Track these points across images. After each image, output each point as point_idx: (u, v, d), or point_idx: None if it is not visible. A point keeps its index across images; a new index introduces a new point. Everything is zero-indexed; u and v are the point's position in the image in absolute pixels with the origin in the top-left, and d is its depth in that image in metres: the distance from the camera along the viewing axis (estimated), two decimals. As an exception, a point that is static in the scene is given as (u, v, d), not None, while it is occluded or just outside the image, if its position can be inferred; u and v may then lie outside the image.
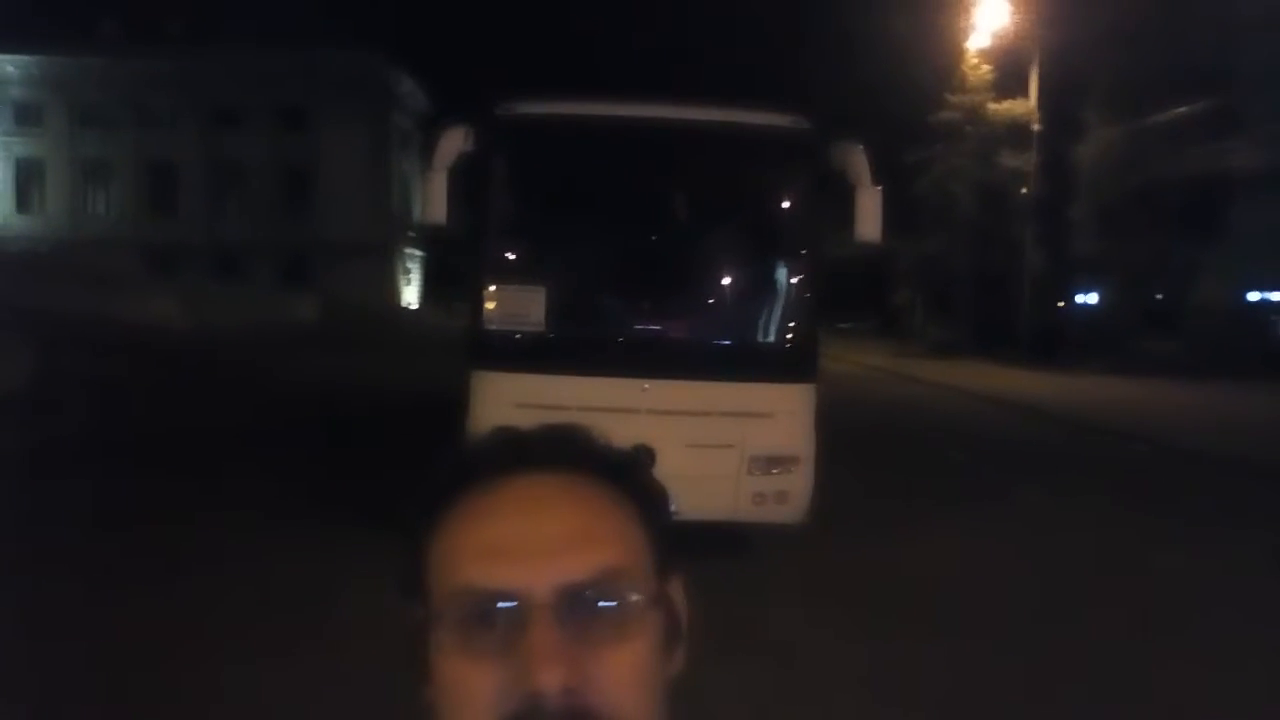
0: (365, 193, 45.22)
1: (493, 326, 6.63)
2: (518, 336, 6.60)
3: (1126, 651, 5.19)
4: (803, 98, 7.06)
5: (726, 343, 6.95)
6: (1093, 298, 36.95)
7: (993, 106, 32.62)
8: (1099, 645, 5.28)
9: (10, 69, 46.39)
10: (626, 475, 0.72)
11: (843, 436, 7.46)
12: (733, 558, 6.60)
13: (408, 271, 51.18)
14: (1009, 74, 31.56)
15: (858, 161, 6.44)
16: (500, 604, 0.64)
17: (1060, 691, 4.64)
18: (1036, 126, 30.07)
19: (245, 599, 5.59)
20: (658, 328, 6.99)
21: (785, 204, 7.04)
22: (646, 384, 6.40)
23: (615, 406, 6.32)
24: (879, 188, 6.39)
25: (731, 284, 7.27)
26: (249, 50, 43.56)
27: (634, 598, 0.66)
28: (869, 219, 6.37)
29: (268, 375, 17.54)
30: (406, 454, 9.45)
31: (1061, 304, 34.21)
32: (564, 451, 0.71)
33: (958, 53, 33.30)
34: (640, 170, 6.96)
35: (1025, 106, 30.64)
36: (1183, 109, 27.56)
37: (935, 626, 5.53)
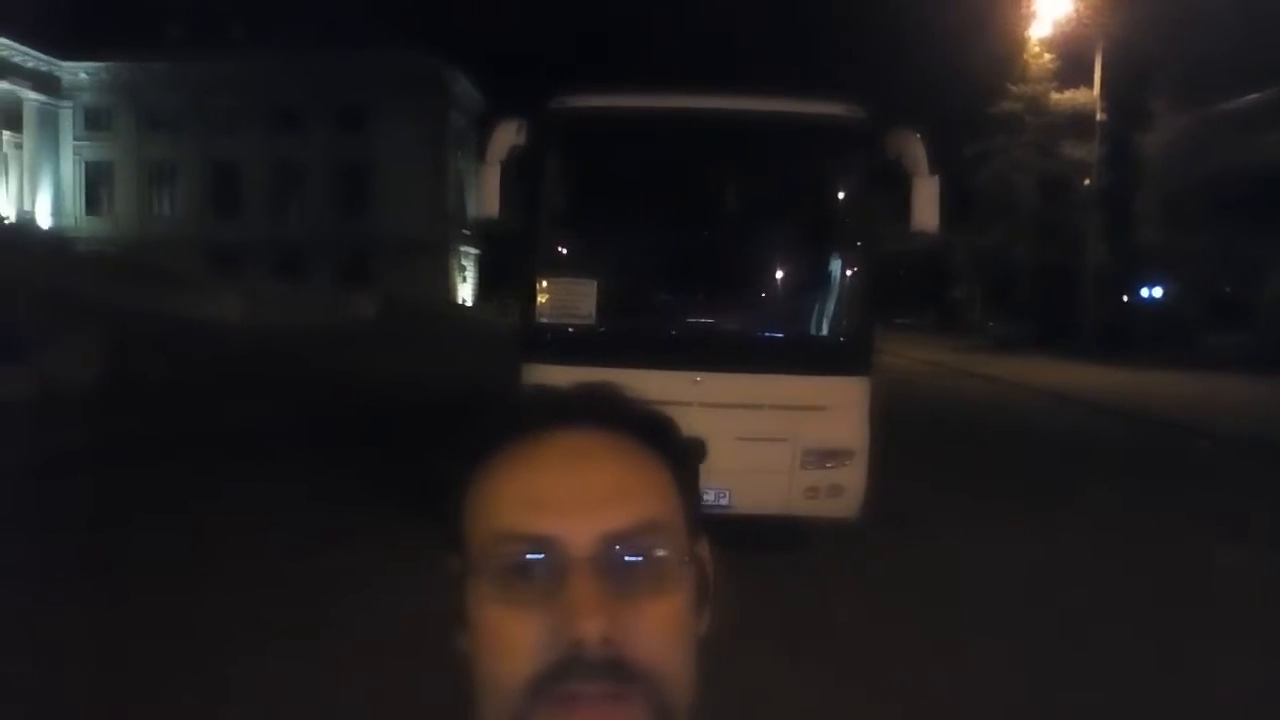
0: (422, 191, 45.83)
1: (545, 320, 6.65)
2: (570, 330, 6.61)
3: (1192, 648, 5.04)
4: (858, 90, 6.94)
5: (780, 335, 6.88)
6: (1158, 291, 36.01)
7: (1055, 96, 31.96)
8: (1165, 643, 5.13)
9: (82, 75, 47.88)
10: (662, 434, 0.73)
11: (904, 431, 7.36)
12: (789, 552, 6.54)
13: (463, 269, 51.77)
14: (1071, 63, 30.87)
15: (915, 150, 6.32)
16: (541, 553, 0.64)
17: (1122, 692, 4.50)
18: (1100, 116, 29.38)
19: (270, 591, 5.69)
20: (710, 320, 6.95)
21: (840, 195, 6.95)
22: (699, 377, 6.35)
23: (667, 399, 6.17)
24: (936, 176, 6.27)
25: (785, 276, 7.19)
26: (308, 52, 44.38)
27: (671, 552, 0.67)
28: (927, 208, 6.25)
29: (326, 372, 17.83)
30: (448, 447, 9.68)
31: (1126, 297, 33.40)
32: (603, 409, 0.72)
33: (1018, 42, 32.68)
34: (693, 162, 6.93)
35: (1088, 96, 29.97)
36: (1254, 95, 26.68)
37: (995, 627, 5.41)
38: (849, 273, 6.72)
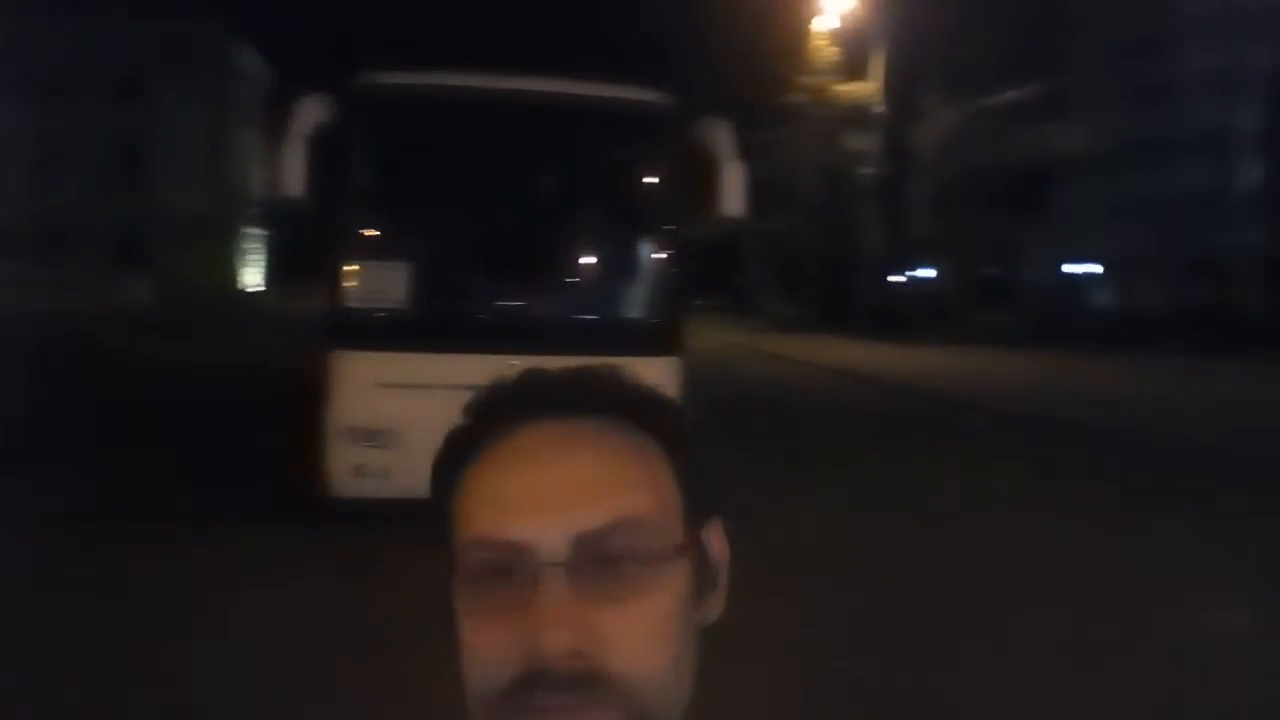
0: (203, 168, 42.85)
1: (353, 304, 6.45)
2: (379, 315, 6.45)
3: (967, 596, 5.54)
4: (648, 74, 7.10)
5: (593, 318, 6.96)
6: (929, 273, 38.99)
7: (837, 88, 33.73)
8: (944, 590, 5.61)
9: None
10: (654, 417, 0.70)
11: (705, 408, 7.61)
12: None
13: (251, 252, 48.85)
14: (855, 57, 32.68)
15: (723, 137, 6.56)
16: (513, 558, 0.61)
17: (902, 629, 4.90)
18: (879, 109, 31.32)
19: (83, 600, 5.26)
20: (524, 304, 6.94)
21: (649, 179, 7.10)
22: (513, 360, 6.32)
23: (482, 384, 6.27)
24: (742, 163, 6.54)
25: (597, 259, 7.29)
26: (78, 19, 40.40)
27: (655, 548, 0.64)
28: (735, 194, 6.50)
29: (96, 363, 16.44)
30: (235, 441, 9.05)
31: (898, 280, 35.89)
32: (586, 394, 0.69)
33: (805, 34, 34.25)
34: (503, 144, 6.89)
35: (869, 89, 31.84)
36: (1012, 93, 29.30)
37: (796, 582, 5.74)
38: (659, 256, 6.90)
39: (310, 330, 7.66)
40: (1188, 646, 4.84)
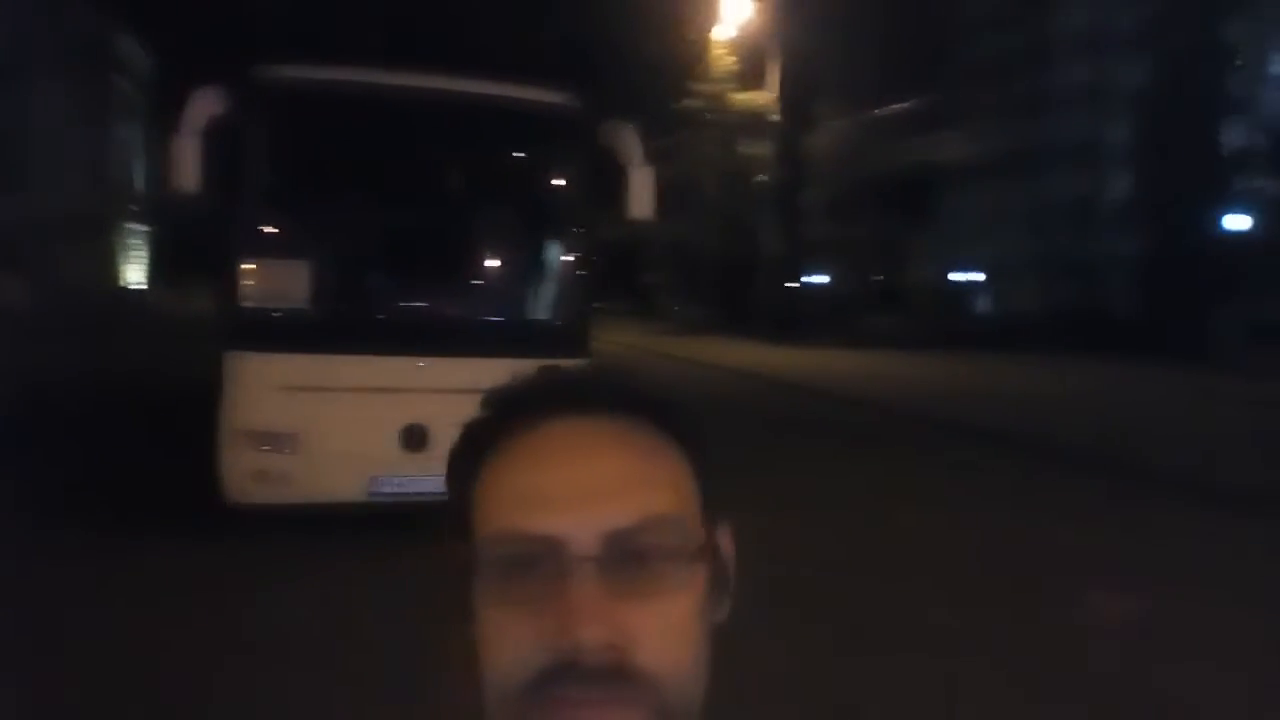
0: (81, 162, 40.78)
1: (251, 304, 6.24)
2: (279, 315, 6.27)
3: (895, 597, 5.73)
4: (557, 78, 7.11)
5: (501, 319, 6.91)
6: (824, 278, 40.00)
7: (734, 96, 34.26)
8: (871, 601, 5.78)
9: None
10: (675, 418, 0.70)
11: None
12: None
13: (134, 249, 46.70)
14: (752, 66, 33.24)
15: (629, 140, 6.60)
16: (541, 553, 0.62)
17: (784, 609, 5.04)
18: (775, 117, 31.96)
19: None
20: (429, 306, 6.84)
21: (557, 181, 7.11)
22: (420, 362, 6.27)
23: (388, 386, 6.18)
24: (650, 167, 6.60)
25: (504, 260, 7.25)
26: None
27: (680, 548, 0.64)
28: (643, 197, 6.55)
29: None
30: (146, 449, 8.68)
31: (794, 284, 36.69)
32: (611, 393, 0.69)
33: (704, 42, 34.67)
34: (409, 142, 6.78)
35: (765, 97, 32.45)
36: (899, 105, 30.31)
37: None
38: (567, 258, 6.91)
39: (203, 331, 7.40)
40: (1066, 629, 5.10)
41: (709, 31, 34.04)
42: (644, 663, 0.61)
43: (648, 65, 34.05)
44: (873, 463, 10.49)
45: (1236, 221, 30.56)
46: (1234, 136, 32.31)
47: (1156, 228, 31.88)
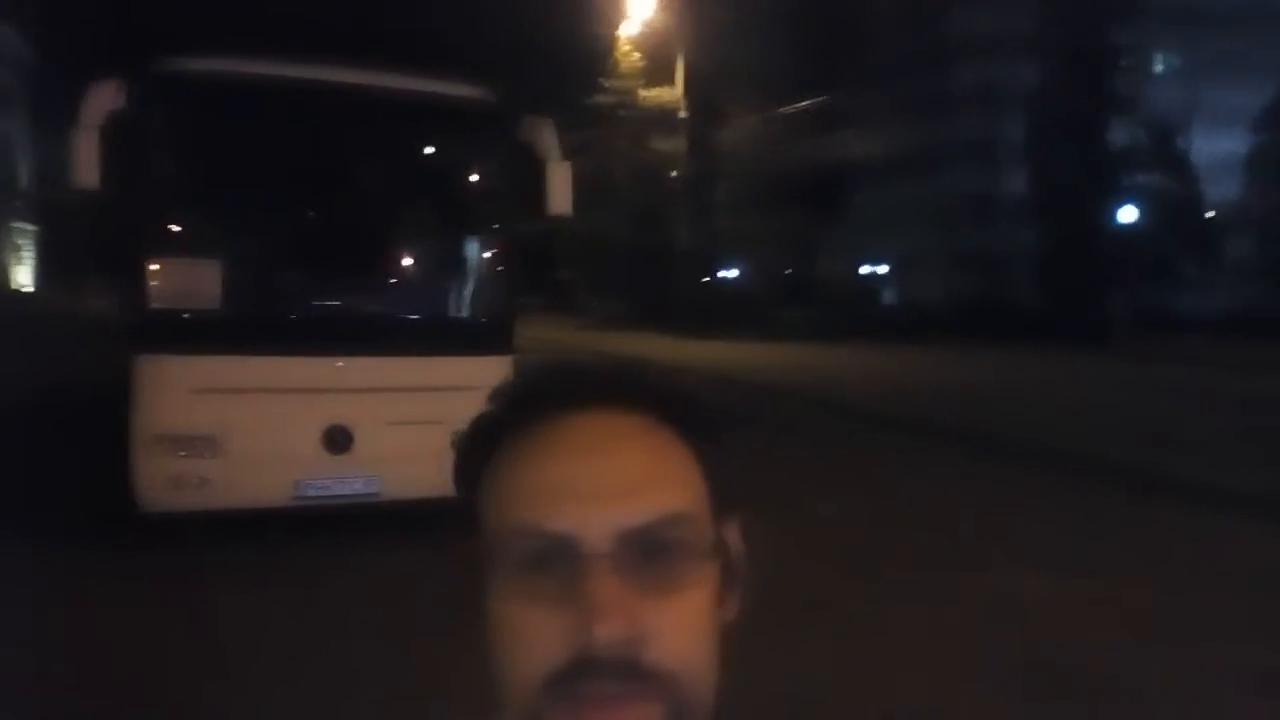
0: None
1: (159, 305, 6.02)
2: (189, 316, 6.07)
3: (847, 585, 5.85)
4: (469, 71, 7.03)
5: (422, 317, 6.83)
6: (735, 272, 40.48)
7: (643, 93, 34.39)
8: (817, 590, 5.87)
9: None
10: (686, 412, 0.70)
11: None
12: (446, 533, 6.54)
13: (18, 249, 44.49)
14: (659, 62, 33.40)
15: (547, 136, 6.57)
16: (557, 548, 0.62)
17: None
18: (683, 114, 32.20)
19: None
20: (349, 303, 6.70)
21: (476, 177, 7.04)
22: (340, 361, 6.14)
23: (308, 386, 6.04)
24: (569, 162, 6.58)
25: (423, 257, 7.14)
26: None
27: (694, 545, 0.65)
28: (561, 192, 6.53)
29: None
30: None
31: (708, 278, 36.98)
32: (625, 388, 0.69)
33: (611, 39, 34.70)
34: (320, 136, 6.60)
35: (673, 94, 32.65)
36: (805, 102, 30.86)
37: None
38: (487, 254, 6.85)
39: (100, 333, 7.11)
40: (987, 604, 5.29)
41: (616, 28, 34.10)
42: (660, 659, 0.61)
43: (559, 61, 33.94)
44: (790, 451, 10.67)
45: (1126, 214, 31.98)
46: (1120, 135, 33.86)
47: (1051, 220, 33.17)
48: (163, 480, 5.66)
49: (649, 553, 0.62)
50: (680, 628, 0.63)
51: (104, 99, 5.77)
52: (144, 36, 7.00)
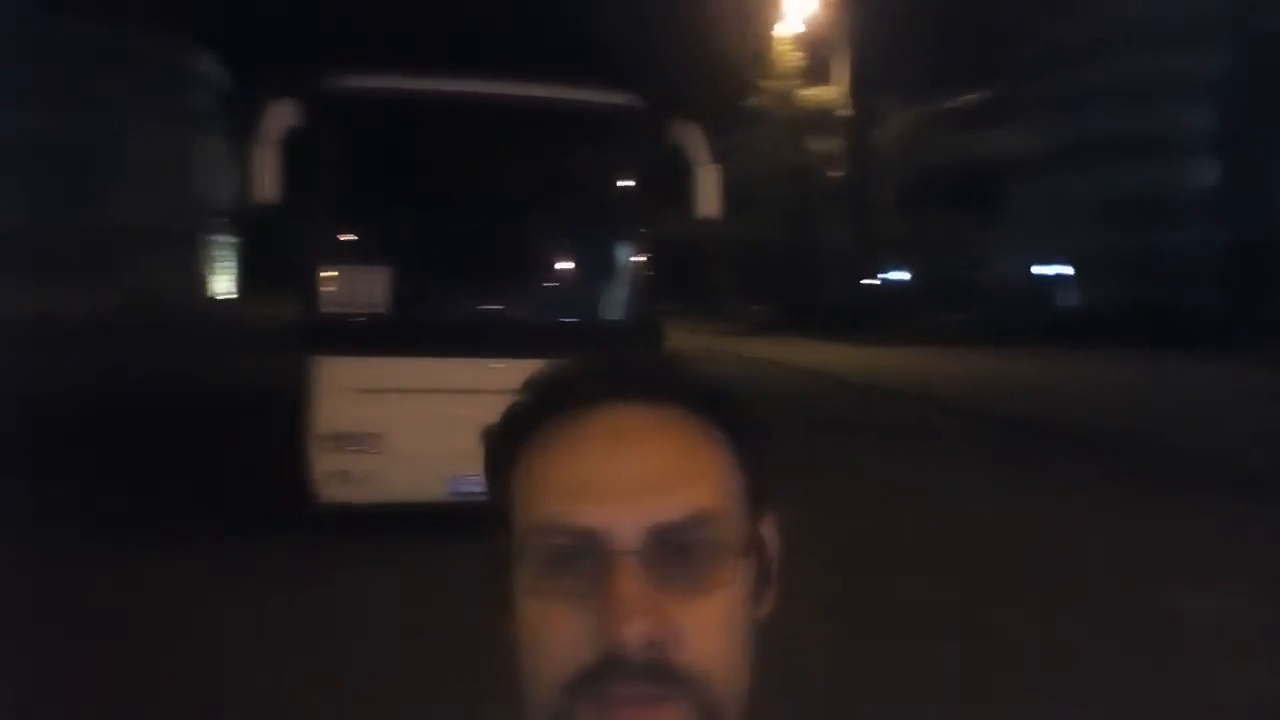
0: (166, 176, 42.29)
1: (331, 310, 6.43)
2: (358, 320, 6.44)
3: (937, 585, 5.64)
4: (622, 79, 7.15)
5: (572, 320, 6.99)
6: (896, 274, 39.45)
7: (802, 92, 33.97)
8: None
9: None
10: (722, 407, 0.68)
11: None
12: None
13: (220, 260, 48.32)
14: (817, 61, 32.95)
15: (695, 139, 6.62)
16: (585, 544, 0.60)
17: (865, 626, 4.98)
18: (845, 112, 31.61)
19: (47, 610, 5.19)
20: (500, 307, 6.96)
21: (624, 181, 7.15)
22: (494, 364, 6.37)
23: (463, 388, 6.28)
24: (717, 165, 6.60)
25: (574, 262, 7.33)
26: (33, 23, 39.71)
27: (726, 543, 0.63)
28: (710, 196, 6.57)
29: (62, 373, 16.18)
30: (217, 454, 8.94)
31: (866, 281, 36.21)
32: (657, 381, 0.67)
33: (769, 38, 34.46)
34: (477, 146, 6.93)
35: (833, 92, 32.11)
36: (970, 96, 29.75)
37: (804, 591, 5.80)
38: (635, 258, 6.95)
39: (284, 337, 7.62)
40: (1157, 632, 4.97)
41: (773, 28, 33.84)
42: (688, 659, 0.59)
43: (709, 64, 34.02)
44: (947, 464, 10.31)
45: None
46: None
47: (1243, 218, 30.74)
48: (334, 474, 6.06)
49: (679, 550, 0.60)
50: (710, 628, 0.61)
51: (279, 116, 6.20)
52: (311, 57, 7.52)
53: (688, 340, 29.85)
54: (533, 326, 6.73)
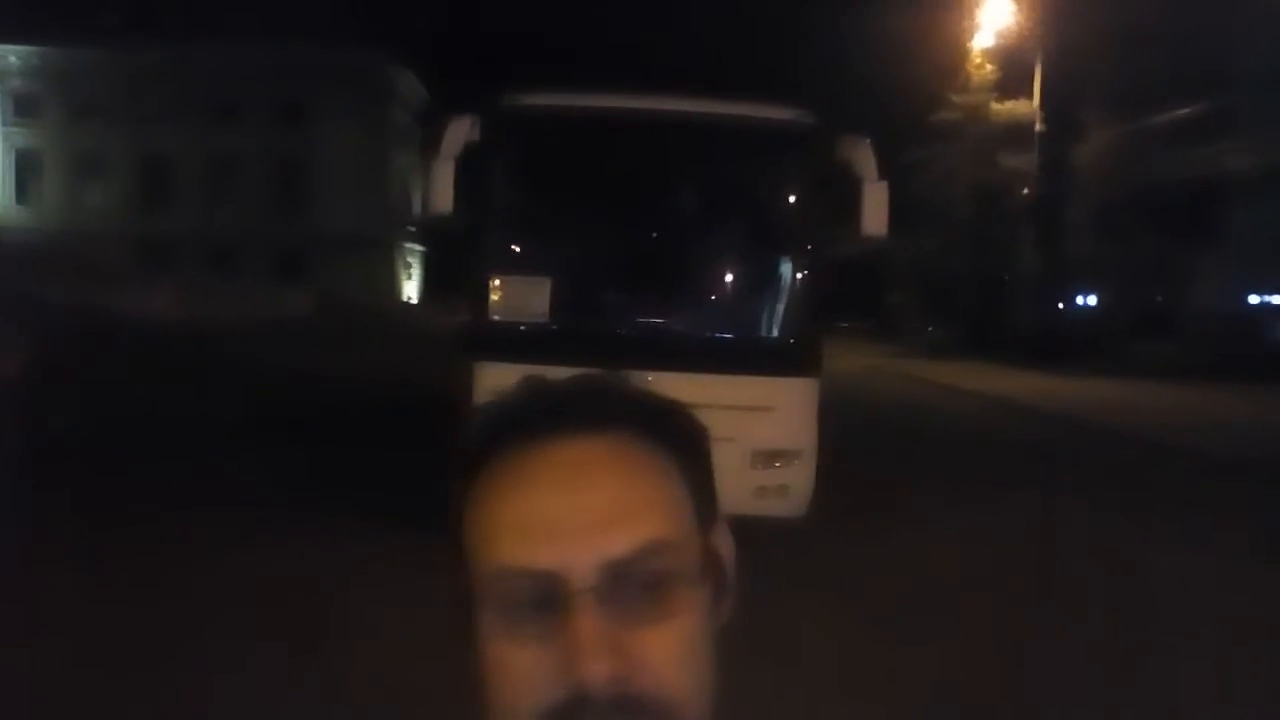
0: (363, 187, 45.24)
1: (496, 318, 6.65)
2: (522, 328, 6.61)
3: (1114, 645, 5.21)
4: (800, 95, 7.05)
5: (730, 336, 6.96)
6: (1091, 300, 37.06)
7: (995, 106, 32.66)
8: (1089, 637, 5.29)
9: (12, 59, 46.26)
10: (666, 426, 0.68)
11: (846, 430, 7.50)
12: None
13: (408, 267, 51.23)
14: (1010, 74, 31.61)
15: (864, 156, 6.45)
16: (541, 587, 0.60)
17: (1049, 685, 4.63)
18: (1040, 127, 30.10)
19: (242, 593, 5.56)
20: (662, 320, 7.00)
21: (790, 198, 7.04)
22: (651, 376, 6.36)
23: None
24: (885, 182, 6.40)
25: (736, 277, 7.28)
26: (246, 44, 43.50)
27: (680, 571, 0.63)
28: (876, 213, 6.37)
29: (263, 370, 17.50)
30: (398, 449, 9.40)
31: (1059, 305, 34.24)
32: (601, 408, 0.66)
33: (960, 52, 33.34)
34: (646, 163, 6.98)
35: (1027, 106, 30.68)
36: (1180, 111, 27.62)
37: (930, 620, 5.53)
38: (798, 275, 6.82)
39: (455, 343, 7.93)
40: None
41: (967, 41, 32.70)
42: (654, 689, 0.60)
43: (898, 78, 33.19)
44: (1132, 503, 9.56)
45: None
46: None
47: None
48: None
49: (635, 583, 0.61)
50: (672, 655, 0.61)
51: (460, 132, 6.47)
52: (499, 78, 7.81)
53: (859, 360, 29.14)
54: (690, 341, 6.72)
